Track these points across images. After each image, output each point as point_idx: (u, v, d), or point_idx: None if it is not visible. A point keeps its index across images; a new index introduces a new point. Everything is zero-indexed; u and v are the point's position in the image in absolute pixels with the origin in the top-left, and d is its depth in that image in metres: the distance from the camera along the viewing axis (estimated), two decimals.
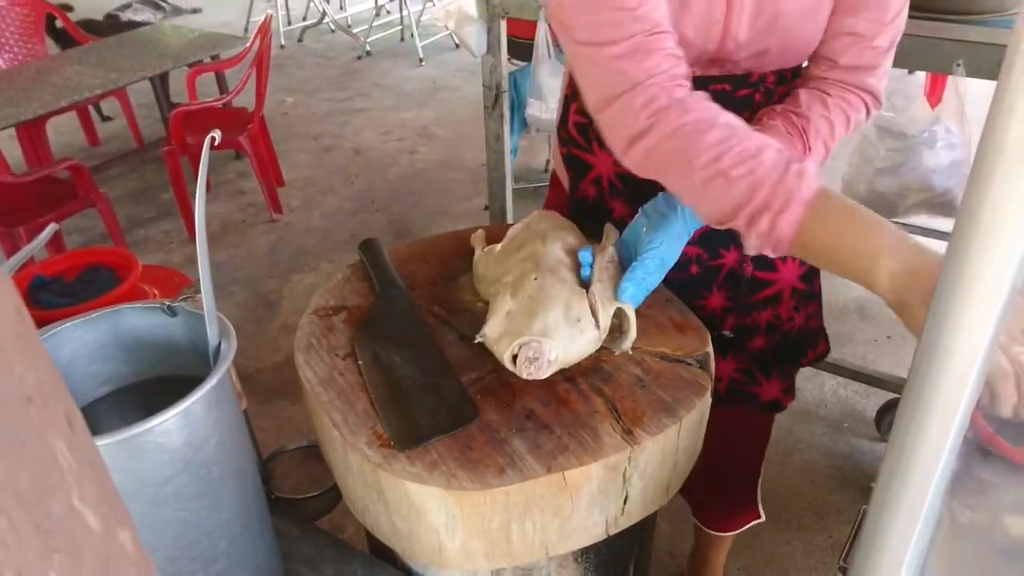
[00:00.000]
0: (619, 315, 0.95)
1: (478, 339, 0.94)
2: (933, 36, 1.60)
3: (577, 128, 1.18)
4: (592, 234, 1.10)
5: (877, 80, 1.03)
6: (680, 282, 1.14)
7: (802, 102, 1.02)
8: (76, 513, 0.23)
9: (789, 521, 1.98)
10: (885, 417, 2.20)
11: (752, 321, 1.21)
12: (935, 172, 1.75)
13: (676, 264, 1.06)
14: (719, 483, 1.42)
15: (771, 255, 0.85)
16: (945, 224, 2.51)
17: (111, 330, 0.88)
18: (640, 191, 1.06)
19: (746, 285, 1.19)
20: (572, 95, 1.17)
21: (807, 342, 1.30)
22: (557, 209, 1.20)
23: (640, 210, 1.01)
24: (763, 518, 1.48)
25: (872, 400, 2.34)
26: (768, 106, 1.06)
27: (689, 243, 1.11)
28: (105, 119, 4.57)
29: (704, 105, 0.88)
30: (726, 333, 1.21)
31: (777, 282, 1.20)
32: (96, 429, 0.69)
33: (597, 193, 1.18)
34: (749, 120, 1.03)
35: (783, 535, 1.95)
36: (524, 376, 0.89)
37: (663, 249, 0.95)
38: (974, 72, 1.53)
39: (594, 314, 0.93)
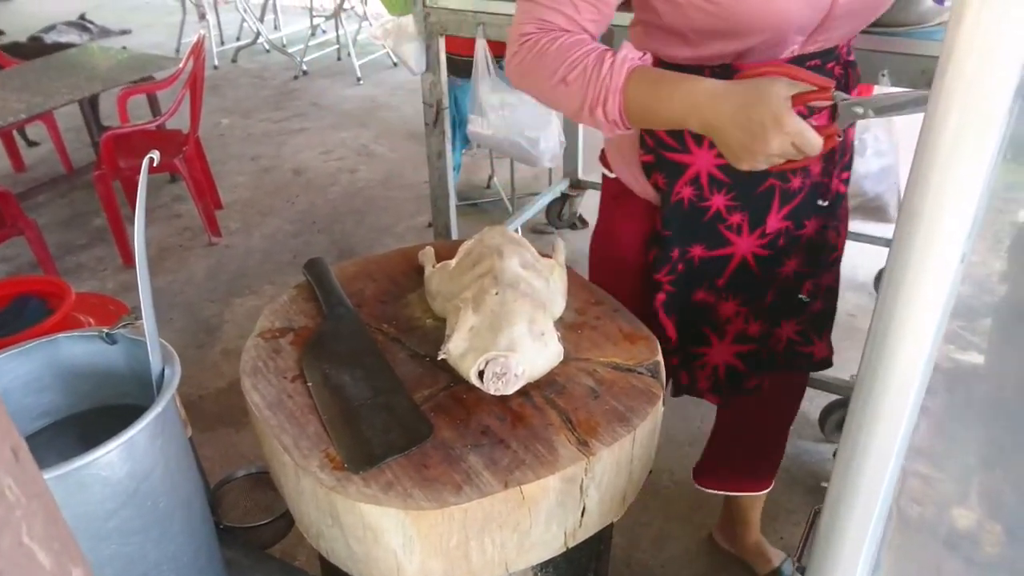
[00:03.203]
0: None
1: (441, 356, 0.93)
2: (860, 48, 1.65)
3: (669, 130, 1.16)
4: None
5: None
6: (767, 257, 1.23)
7: None
8: (26, 550, 0.22)
9: None
10: (829, 418, 2.25)
11: (815, 284, 1.30)
12: (866, 178, 1.81)
13: (768, 239, 1.22)
14: (757, 445, 1.57)
15: (622, 131, 1.01)
16: (877, 228, 2.60)
17: (47, 360, 0.85)
18: (743, 177, 1.13)
19: (824, 250, 1.28)
20: None
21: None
22: (631, 222, 1.27)
23: None
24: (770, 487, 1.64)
25: (816, 402, 2.39)
26: (847, 78, 1.16)
27: (779, 218, 1.21)
28: (31, 144, 4.41)
29: (568, 32, 1.03)
30: (803, 297, 1.30)
31: (838, 248, 1.31)
32: None
33: (695, 191, 1.18)
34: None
35: None
36: (492, 392, 0.89)
37: None
38: (898, 81, 1.59)
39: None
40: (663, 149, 1.18)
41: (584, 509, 0.87)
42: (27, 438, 0.87)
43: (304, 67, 5.82)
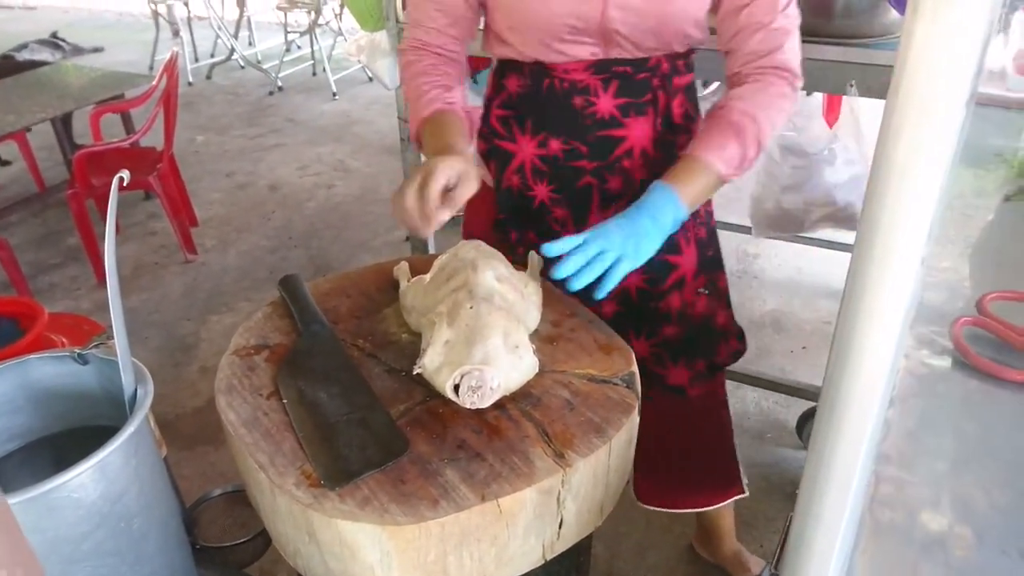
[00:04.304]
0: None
1: (416, 370, 0.93)
2: (827, 59, 1.68)
3: (500, 121, 1.30)
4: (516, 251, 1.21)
5: (786, 55, 1.13)
6: None
7: (724, 100, 1.15)
8: None
9: None
10: (806, 425, 2.27)
11: (665, 306, 1.31)
12: (836, 187, 1.83)
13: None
14: (685, 462, 1.54)
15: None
16: (848, 236, 2.63)
17: (18, 382, 0.84)
18: (561, 170, 1.24)
19: (657, 269, 1.27)
20: (495, 93, 1.31)
21: (716, 337, 1.40)
22: (480, 205, 1.28)
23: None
24: (747, 493, 1.58)
25: (793, 409, 2.41)
26: (668, 92, 1.22)
27: (601, 219, 1.21)
28: (3, 163, 4.37)
29: (428, 53, 1.23)
30: (701, 290, 1.34)
31: (680, 266, 1.30)
32: (5, 487, 0.65)
33: (520, 180, 1.29)
34: (651, 101, 1.21)
35: None
36: (467, 406, 0.89)
37: (602, 241, 1.03)
38: (866, 92, 1.62)
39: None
40: (495, 137, 1.30)
41: (562, 521, 0.87)
42: None
43: (279, 83, 5.81)
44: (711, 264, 1.36)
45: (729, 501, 1.59)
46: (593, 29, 1.14)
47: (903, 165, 0.40)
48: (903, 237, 0.42)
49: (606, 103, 1.20)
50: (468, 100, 1.24)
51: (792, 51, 1.14)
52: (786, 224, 1.92)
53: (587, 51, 1.17)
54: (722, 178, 1.12)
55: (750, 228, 2.14)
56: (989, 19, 0.36)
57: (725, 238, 3.49)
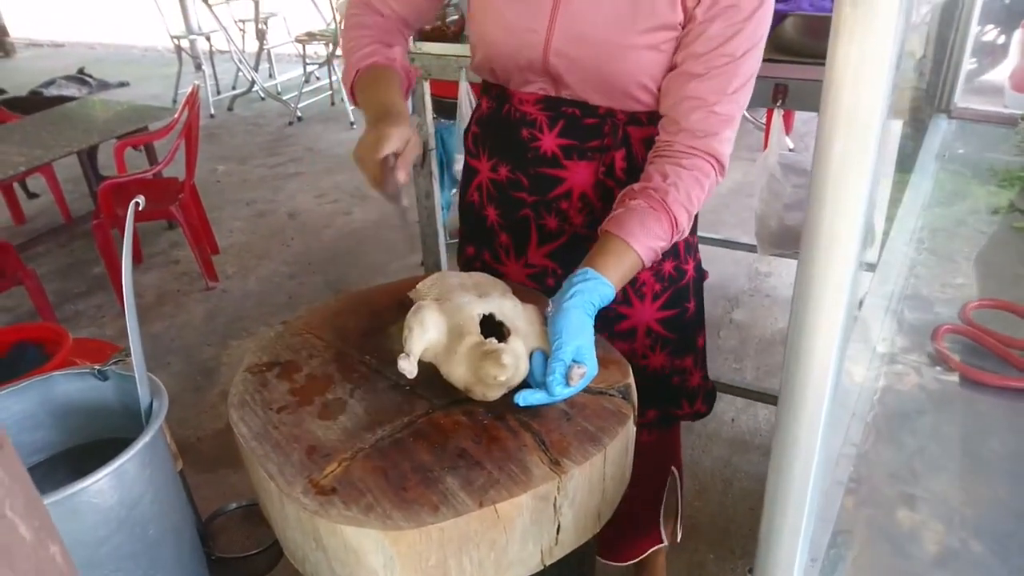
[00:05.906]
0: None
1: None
2: (814, 79, 1.72)
3: (472, 138, 1.34)
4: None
5: (721, 145, 1.08)
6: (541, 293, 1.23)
7: (653, 176, 1.08)
8: (8, 522, 0.26)
9: (732, 550, 2.02)
10: None
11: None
12: None
13: (533, 272, 1.26)
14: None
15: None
16: None
17: (40, 399, 0.89)
18: (505, 197, 1.27)
19: (606, 317, 1.23)
20: (475, 111, 1.35)
21: (677, 392, 1.37)
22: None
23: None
24: (665, 543, 1.62)
25: None
26: (620, 141, 1.18)
27: (546, 256, 1.26)
28: (31, 196, 4.49)
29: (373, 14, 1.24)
30: None
31: (630, 317, 1.28)
32: None
33: (479, 198, 1.33)
34: (599, 148, 1.18)
35: (727, 564, 1.98)
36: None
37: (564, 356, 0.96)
38: None
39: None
40: (468, 154, 1.35)
41: (559, 527, 0.90)
42: None
43: (298, 113, 5.93)
44: (680, 324, 1.33)
45: (649, 551, 1.64)
46: (539, 69, 1.15)
47: (837, 175, 0.44)
48: (842, 238, 0.46)
49: (549, 141, 1.20)
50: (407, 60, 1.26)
51: (728, 142, 1.09)
52: (790, 242, 1.94)
53: (537, 86, 1.18)
54: (643, 268, 1.08)
55: None
56: (897, 44, 0.40)
57: (736, 257, 3.52)
